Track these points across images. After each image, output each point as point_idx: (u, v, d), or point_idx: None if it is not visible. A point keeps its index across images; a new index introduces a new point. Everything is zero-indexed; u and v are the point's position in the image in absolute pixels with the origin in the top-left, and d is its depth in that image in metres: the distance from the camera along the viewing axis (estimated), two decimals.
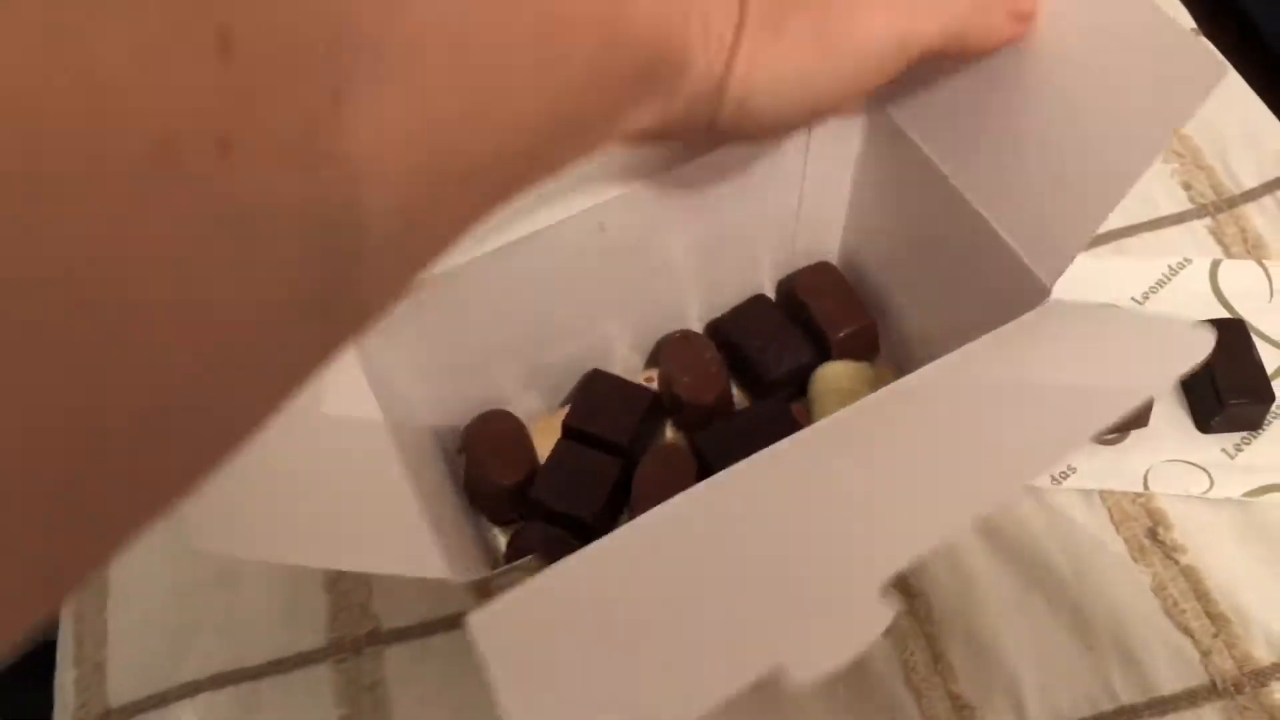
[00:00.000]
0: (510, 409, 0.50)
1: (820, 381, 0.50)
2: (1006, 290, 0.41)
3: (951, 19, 0.35)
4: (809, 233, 0.51)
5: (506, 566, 0.36)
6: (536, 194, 0.40)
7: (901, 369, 0.51)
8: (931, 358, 0.48)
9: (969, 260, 0.43)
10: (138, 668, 0.47)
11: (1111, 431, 0.50)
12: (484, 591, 0.36)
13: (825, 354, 0.50)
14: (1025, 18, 0.37)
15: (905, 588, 0.46)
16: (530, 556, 0.37)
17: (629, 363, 0.52)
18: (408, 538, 0.36)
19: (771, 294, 0.53)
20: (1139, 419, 0.49)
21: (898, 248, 0.50)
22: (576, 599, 0.34)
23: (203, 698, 0.46)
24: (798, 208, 0.50)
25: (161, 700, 0.46)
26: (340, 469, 0.37)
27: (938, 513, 0.31)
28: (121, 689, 0.46)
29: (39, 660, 0.67)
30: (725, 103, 0.32)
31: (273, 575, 0.48)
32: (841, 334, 0.50)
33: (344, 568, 0.35)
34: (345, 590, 0.48)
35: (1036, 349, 0.37)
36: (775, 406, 0.49)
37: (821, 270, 0.52)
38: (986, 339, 0.38)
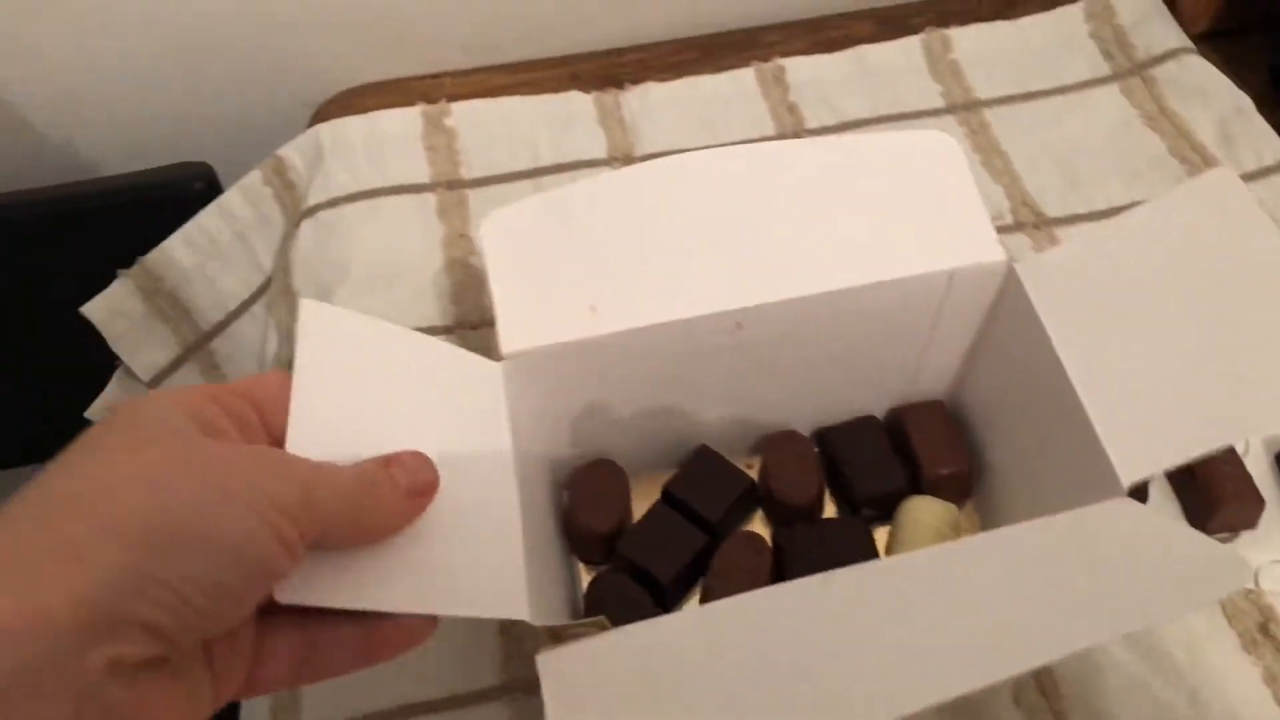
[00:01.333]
0: (618, 461, 0.55)
1: (906, 512, 0.53)
2: (1087, 477, 0.44)
3: (335, 513, 0.34)
4: (928, 371, 0.55)
5: (581, 622, 0.40)
6: (678, 279, 0.47)
7: (984, 515, 0.54)
8: (1011, 513, 0.52)
9: (1059, 437, 0.46)
10: (330, 696, 0.50)
11: (1223, 531, 0.53)
12: (557, 635, 0.40)
13: (917, 487, 0.53)
14: (425, 491, 0.37)
15: None
16: (602, 617, 0.40)
17: (734, 445, 0.56)
18: (500, 582, 0.39)
19: (880, 416, 0.56)
20: (1249, 520, 0.53)
21: (1000, 405, 0.53)
22: (638, 666, 0.38)
23: None
24: (923, 348, 0.53)
25: None
26: (463, 504, 0.40)
27: (977, 663, 0.35)
28: (314, 715, 0.50)
29: None
30: None
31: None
32: (937, 473, 0.53)
33: (430, 612, 0.37)
34: (517, 636, 0.52)
35: (1100, 542, 0.40)
36: (857, 525, 0.52)
37: (932, 409, 0.55)
38: (1062, 519, 0.41)
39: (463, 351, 0.45)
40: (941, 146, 0.51)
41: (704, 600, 0.52)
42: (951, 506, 0.53)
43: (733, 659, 0.38)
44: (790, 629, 0.39)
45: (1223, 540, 0.53)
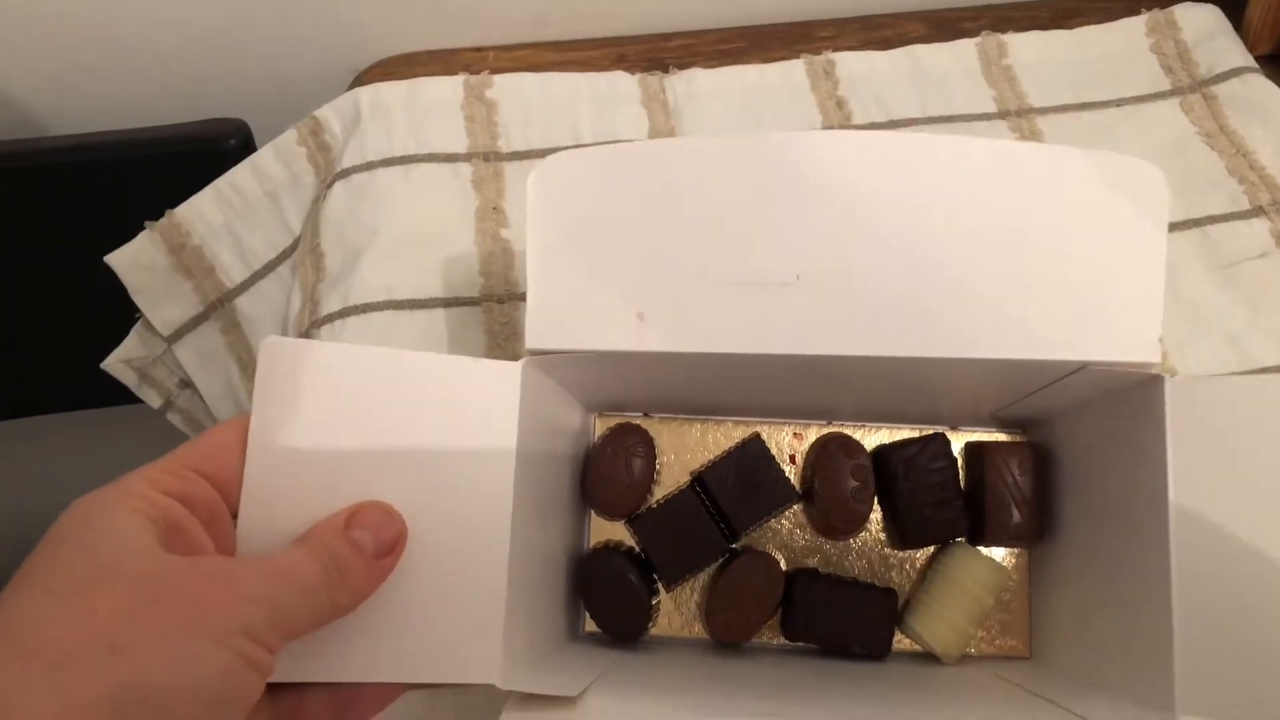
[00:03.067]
0: (650, 407, 0.52)
1: (951, 564, 0.50)
2: (1145, 661, 0.40)
3: (304, 613, 0.34)
4: (1017, 410, 0.50)
5: (550, 695, 0.38)
6: (752, 296, 0.40)
7: (1040, 573, 0.51)
8: (1066, 581, 0.48)
9: (1134, 606, 0.41)
10: None
11: None
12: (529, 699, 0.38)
13: (977, 525, 0.50)
14: (392, 548, 0.36)
15: None
16: (574, 694, 0.39)
17: (778, 413, 0.53)
18: (475, 636, 0.37)
19: (948, 430, 0.52)
20: None
21: (1086, 470, 0.47)
22: None
23: None
24: (1020, 400, 0.48)
25: None
26: (442, 547, 0.38)
27: None
28: None
29: None
30: None
31: None
32: (1004, 529, 0.49)
33: (388, 680, 0.37)
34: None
35: None
36: (883, 598, 0.49)
37: (1022, 455, 0.50)
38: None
39: (454, 359, 0.40)
40: (1144, 182, 0.41)
41: (705, 609, 0.51)
42: (1003, 570, 0.50)
43: None
44: None
45: None
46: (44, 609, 0.30)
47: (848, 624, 0.49)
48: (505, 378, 0.40)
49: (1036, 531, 0.50)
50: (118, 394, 0.68)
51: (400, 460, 0.38)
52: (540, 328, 0.41)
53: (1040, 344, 0.40)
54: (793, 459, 0.53)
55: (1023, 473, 0.50)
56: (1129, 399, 0.42)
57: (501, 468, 0.39)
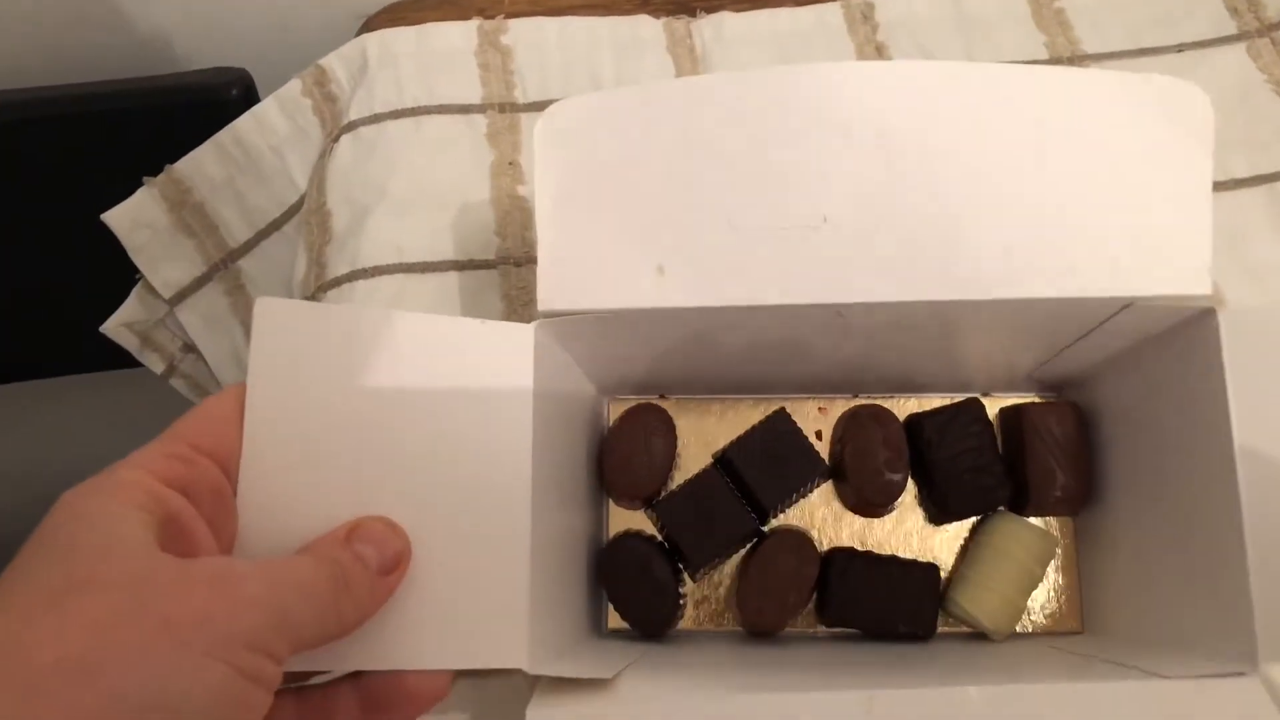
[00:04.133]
0: (668, 386, 0.49)
1: (997, 535, 0.47)
2: (1220, 604, 0.37)
3: (310, 622, 0.31)
4: (1058, 365, 0.46)
5: (583, 677, 0.36)
6: (778, 244, 0.38)
7: (1086, 542, 0.48)
8: (1119, 549, 0.45)
9: (1195, 514, 0.39)
10: None
11: None
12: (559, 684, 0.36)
13: (1020, 494, 0.47)
14: (396, 564, 0.34)
15: None
16: (607, 675, 0.37)
17: (803, 387, 0.50)
18: (501, 620, 0.35)
19: (984, 395, 0.49)
20: None
21: (1137, 426, 0.44)
22: None
23: None
24: (1062, 349, 0.45)
25: None
26: (460, 527, 0.35)
27: None
28: None
29: None
30: None
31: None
32: (1049, 495, 0.46)
33: (410, 668, 0.34)
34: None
35: None
36: (926, 573, 0.47)
37: (1062, 413, 0.47)
38: (1177, 690, 0.35)
39: (474, 321, 0.37)
40: (1187, 104, 0.38)
41: (736, 597, 0.47)
42: (1050, 537, 0.47)
43: None
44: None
45: None
46: (16, 625, 0.27)
47: (890, 603, 0.46)
48: (517, 341, 0.37)
49: (1084, 496, 0.47)
50: (119, 358, 0.66)
51: (408, 434, 0.35)
52: (553, 287, 0.38)
53: (1083, 281, 0.37)
54: (819, 435, 0.50)
55: (1065, 432, 0.46)
56: (1177, 339, 0.40)
57: (518, 441, 0.36)
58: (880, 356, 0.46)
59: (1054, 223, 0.38)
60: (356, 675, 0.34)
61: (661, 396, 0.51)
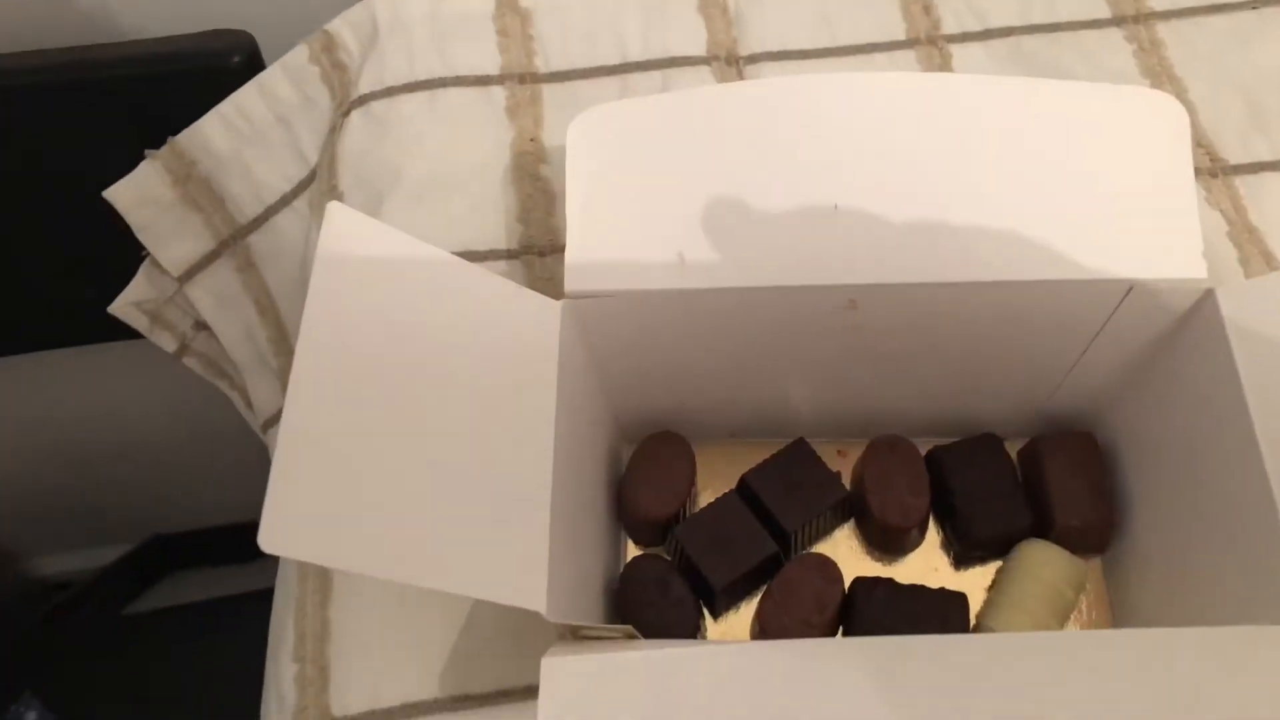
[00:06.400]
0: (686, 426, 0.48)
1: (1023, 558, 0.45)
2: (1259, 577, 0.36)
3: None
4: (1071, 390, 0.46)
5: (604, 627, 0.36)
6: (791, 235, 0.40)
7: (1115, 579, 0.46)
8: (1150, 584, 0.44)
9: (1232, 518, 0.38)
10: (363, 678, 0.45)
11: None
12: (575, 634, 0.36)
13: (1043, 531, 0.46)
14: None
15: None
16: (629, 626, 0.37)
17: (823, 431, 0.49)
18: (518, 564, 0.35)
19: (1003, 434, 0.48)
20: None
21: (1159, 453, 0.44)
22: (655, 696, 0.33)
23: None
24: (1072, 363, 0.45)
25: (387, 716, 0.44)
26: (488, 482, 0.36)
27: None
28: (345, 698, 0.44)
29: None
30: None
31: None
32: (1071, 524, 0.45)
33: (436, 588, 0.33)
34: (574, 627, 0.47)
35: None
36: (955, 600, 0.45)
37: (1079, 444, 0.46)
38: (1227, 635, 0.33)
39: (510, 284, 0.40)
40: (1165, 114, 0.41)
41: (757, 622, 0.46)
42: (1079, 563, 0.45)
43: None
44: (848, 700, 0.32)
45: None
46: None
47: (917, 630, 0.45)
48: (546, 313, 0.40)
49: (1106, 525, 0.45)
50: (127, 329, 0.63)
51: (443, 369, 0.37)
52: (580, 270, 0.41)
53: (1086, 266, 0.40)
54: (839, 475, 0.48)
55: (1082, 458, 0.46)
56: (1182, 339, 0.41)
57: (542, 404, 0.39)
58: (895, 387, 0.46)
59: (1056, 217, 0.40)
60: None
61: None
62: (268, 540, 0.30)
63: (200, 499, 1.12)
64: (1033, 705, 0.32)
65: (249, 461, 0.97)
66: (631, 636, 0.37)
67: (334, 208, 0.37)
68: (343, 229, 0.37)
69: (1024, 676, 0.33)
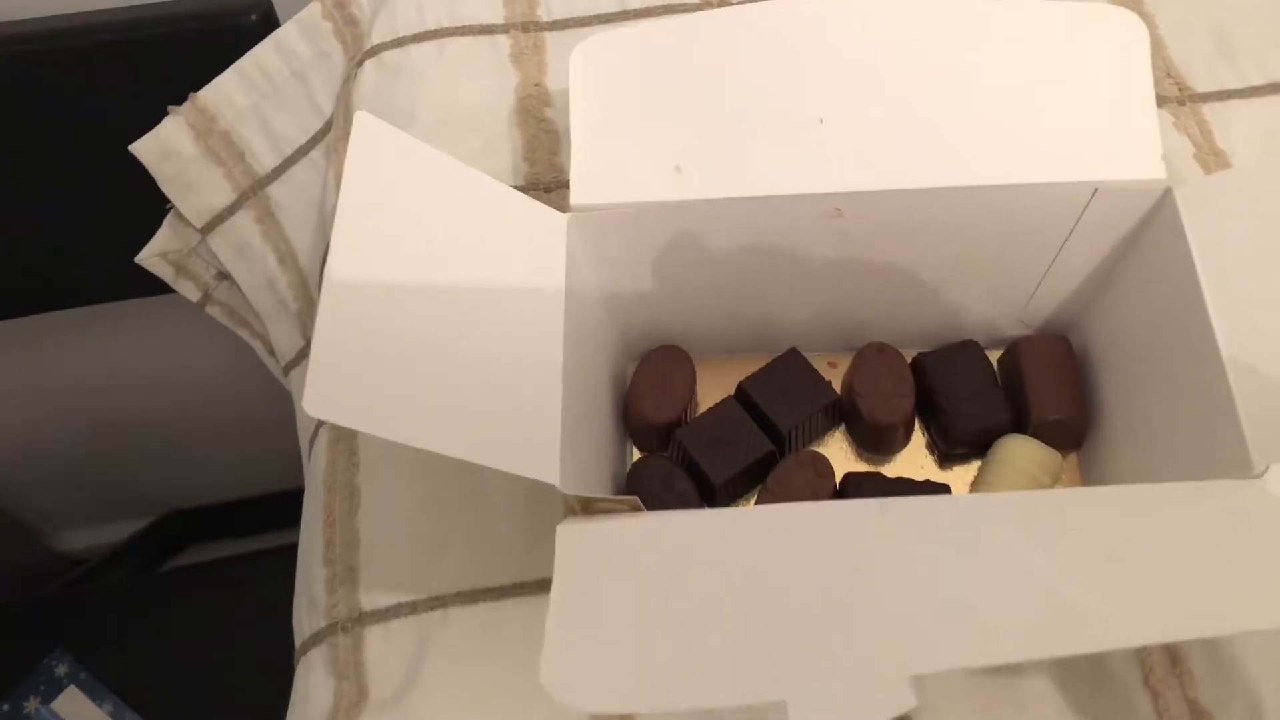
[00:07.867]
0: (687, 341, 0.51)
1: (1001, 451, 0.48)
2: (1214, 449, 0.39)
3: None
4: (1046, 296, 0.49)
5: (612, 498, 0.39)
6: (781, 148, 0.43)
7: (1089, 468, 0.49)
8: (1120, 471, 0.47)
9: (1190, 399, 0.41)
10: (389, 576, 0.48)
11: None
12: (586, 507, 0.39)
13: (1021, 428, 0.48)
14: None
15: None
16: (634, 497, 0.40)
17: (815, 344, 0.51)
18: (534, 443, 0.38)
19: (984, 341, 0.51)
20: None
21: (1127, 349, 0.47)
22: (663, 557, 0.36)
23: (452, 612, 0.47)
24: (1045, 268, 0.47)
25: (412, 609, 0.47)
26: (505, 370, 0.39)
27: (1056, 630, 0.30)
28: (373, 594, 0.48)
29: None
30: None
31: (515, 499, 0.49)
32: (1047, 418, 0.48)
33: (459, 456, 0.36)
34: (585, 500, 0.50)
35: (1224, 522, 0.35)
36: (939, 490, 0.48)
37: (1053, 346, 0.49)
38: (1180, 489, 0.36)
39: (523, 197, 0.43)
40: (1124, 28, 0.44)
41: None
42: (1055, 454, 0.48)
43: (766, 573, 0.35)
44: (838, 552, 0.35)
45: None
46: None
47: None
48: (555, 224, 0.44)
49: (1081, 420, 0.48)
50: (156, 284, 0.66)
51: (463, 264, 0.40)
52: (584, 185, 0.44)
53: (1054, 170, 0.43)
54: (830, 382, 0.51)
55: (1056, 357, 0.49)
56: (1144, 239, 0.44)
57: (552, 307, 0.42)
58: (881, 296, 0.49)
59: (1025, 127, 0.43)
60: None
61: None
62: (312, 405, 0.33)
63: (216, 474, 1.15)
64: (1020, 545, 0.34)
65: (263, 437, 1.00)
66: (637, 509, 0.40)
67: (362, 116, 0.40)
68: (372, 133, 0.40)
69: (1009, 524, 0.35)
